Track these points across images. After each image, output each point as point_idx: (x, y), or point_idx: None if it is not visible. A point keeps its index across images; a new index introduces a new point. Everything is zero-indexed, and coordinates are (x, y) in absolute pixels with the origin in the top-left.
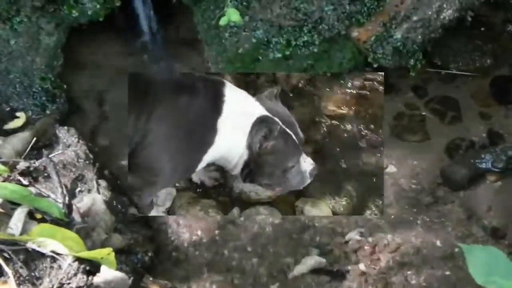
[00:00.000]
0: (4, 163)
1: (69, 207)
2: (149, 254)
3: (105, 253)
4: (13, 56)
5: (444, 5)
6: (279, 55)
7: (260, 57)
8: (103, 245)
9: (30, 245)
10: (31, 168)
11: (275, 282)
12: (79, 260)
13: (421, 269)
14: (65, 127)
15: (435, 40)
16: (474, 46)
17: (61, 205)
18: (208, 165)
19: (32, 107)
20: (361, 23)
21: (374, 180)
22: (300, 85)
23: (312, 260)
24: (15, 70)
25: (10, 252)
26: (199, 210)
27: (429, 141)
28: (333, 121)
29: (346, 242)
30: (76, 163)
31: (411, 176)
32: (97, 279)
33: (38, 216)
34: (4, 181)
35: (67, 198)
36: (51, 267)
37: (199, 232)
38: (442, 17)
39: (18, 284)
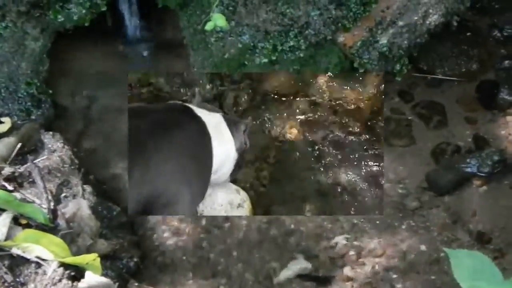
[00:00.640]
0: None
1: (54, 212)
2: (135, 259)
3: (91, 259)
4: None
5: (430, 10)
6: (265, 60)
7: (246, 62)
8: (88, 250)
9: (15, 251)
10: (16, 174)
11: (261, 287)
12: (64, 265)
13: (407, 273)
14: (50, 132)
15: (421, 45)
16: (460, 51)
17: (46, 211)
18: None
19: (17, 112)
20: (347, 28)
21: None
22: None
23: (298, 265)
24: (0, 75)
25: None
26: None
27: (415, 145)
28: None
29: (332, 247)
30: (61, 169)
31: (396, 180)
32: (82, 284)
33: (23, 221)
34: None
35: (52, 204)
36: (36, 273)
37: (184, 237)
38: (428, 22)
39: None
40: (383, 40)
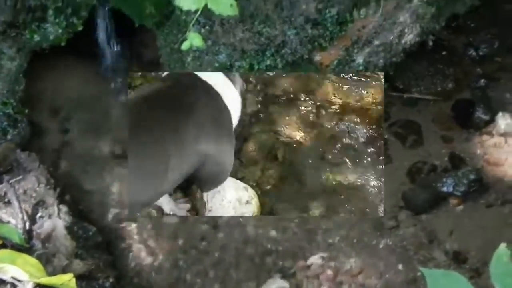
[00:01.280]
0: None
1: (29, 232)
2: (111, 279)
3: (66, 279)
4: None
5: (406, 30)
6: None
7: None
8: (64, 270)
9: None
10: None
11: None
12: (40, 286)
13: None
14: (26, 152)
15: (396, 64)
16: (435, 70)
17: (21, 231)
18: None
19: None
20: (323, 47)
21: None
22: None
23: (275, 285)
24: None
25: None
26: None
27: (391, 164)
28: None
29: (309, 266)
30: (37, 188)
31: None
32: None
33: None
34: None
35: (27, 224)
36: None
37: (161, 257)
38: (403, 41)
39: None
40: (359, 59)
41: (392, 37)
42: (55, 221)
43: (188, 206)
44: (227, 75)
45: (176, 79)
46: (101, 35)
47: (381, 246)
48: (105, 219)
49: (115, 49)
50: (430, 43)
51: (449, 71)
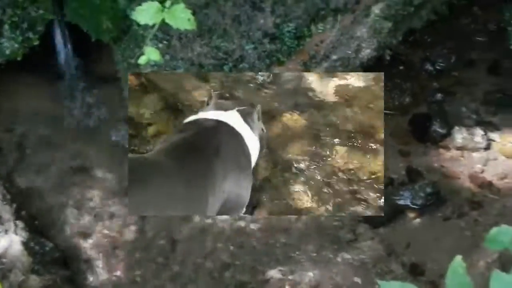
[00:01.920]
0: None
1: None
2: None
3: None
4: None
5: (363, 44)
6: None
7: None
8: (20, 286)
9: None
10: None
11: None
12: None
13: None
14: None
15: None
16: (393, 84)
17: None
18: None
19: None
20: (281, 61)
21: None
22: None
23: None
24: None
25: None
26: None
27: None
28: None
29: (267, 280)
30: None
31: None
32: None
33: None
34: None
35: None
36: None
37: (118, 272)
38: (361, 56)
39: None
40: None
41: (349, 52)
42: (11, 237)
43: None
44: (243, 111)
45: (199, 125)
46: (59, 50)
47: (339, 259)
48: (62, 235)
49: (73, 64)
50: (387, 58)
51: (406, 86)
